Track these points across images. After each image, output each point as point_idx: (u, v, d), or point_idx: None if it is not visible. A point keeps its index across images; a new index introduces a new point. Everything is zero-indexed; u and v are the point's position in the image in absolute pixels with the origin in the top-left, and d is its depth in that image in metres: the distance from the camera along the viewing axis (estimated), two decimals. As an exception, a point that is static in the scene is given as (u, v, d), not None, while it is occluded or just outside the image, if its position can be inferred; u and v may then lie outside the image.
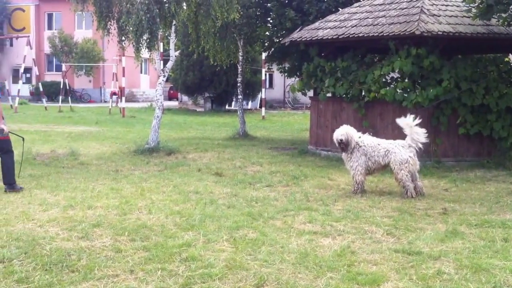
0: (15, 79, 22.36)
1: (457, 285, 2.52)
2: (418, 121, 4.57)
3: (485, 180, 5.39)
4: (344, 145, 4.59)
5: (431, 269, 2.72)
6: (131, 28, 6.86)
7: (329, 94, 7.07)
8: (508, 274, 2.65)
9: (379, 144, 4.60)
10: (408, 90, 6.28)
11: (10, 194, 4.35)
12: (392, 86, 6.59)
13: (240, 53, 9.55)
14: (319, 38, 6.82)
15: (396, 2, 6.83)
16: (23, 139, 5.29)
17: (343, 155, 4.72)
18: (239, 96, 10.03)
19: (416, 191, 4.53)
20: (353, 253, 2.97)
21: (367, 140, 4.65)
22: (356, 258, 2.88)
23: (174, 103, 24.06)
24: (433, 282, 2.55)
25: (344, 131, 4.60)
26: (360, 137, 4.63)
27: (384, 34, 6.17)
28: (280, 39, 8.54)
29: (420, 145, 4.59)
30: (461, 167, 6.12)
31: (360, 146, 4.59)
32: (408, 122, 4.58)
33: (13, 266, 2.67)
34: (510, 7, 5.58)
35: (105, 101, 23.31)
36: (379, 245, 3.12)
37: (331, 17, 7.26)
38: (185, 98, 22.55)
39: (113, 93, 18.51)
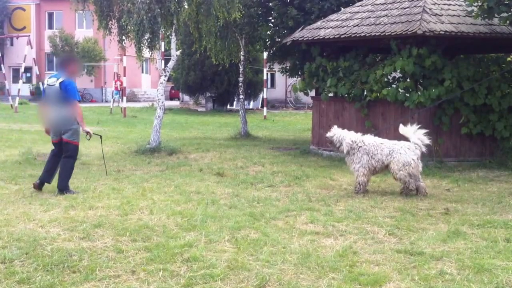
0: (16, 79, 22.42)
1: (459, 286, 2.51)
2: (417, 127, 4.58)
3: (487, 180, 5.38)
4: (332, 144, 4.68)
5: (433, 269, 2.72)
6: (132, 28, 6.85)
7: (331, 94, 7.05)
8: (511, 274, 2.65)
9: (382, 143, 4.60)
10: (410, 90, 6.26)
11: (11, 194, 4.35)
12: (394, 86, 6.58)
13: (241, 53, 9.53)
14: (320, 37, 6.80)
15: (398, 2, 6.81)
16: (100, 137, 5.33)
17: (346, 159, 4.71)
18: (241, 96, 10.01)
19: (419, 192, 4.53)
20: (355, 254, 2.96)
21: (368, 139, 4.63)
22: (358, 259, 2.87)
23: (175, 103, 24.05)
24: (435, 283, 2.55)
25: (332, 131, 4.69)
26: (358, 138, 4.61)
27: (386, 34, 6.15)
28: (282, 38, 8.53)
29: (424, 148, 4.59)
30: (463, 167, 6.10)
31: (361, 146, 4.57)
32: (408, 130, 4.57)
33: (14, 267, 2.67)
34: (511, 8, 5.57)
35: (106, 101, 23.32)
36: (381, 246, 3.11)
37: (333, 16, 7.24)
38: (186, 98, 22.53)
39: (116, 89, 18.43)
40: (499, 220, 3.68)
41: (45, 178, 4.46)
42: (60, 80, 4.32)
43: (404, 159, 4.47)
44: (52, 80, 4.39)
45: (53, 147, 4.52)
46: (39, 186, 4.44)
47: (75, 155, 4.48)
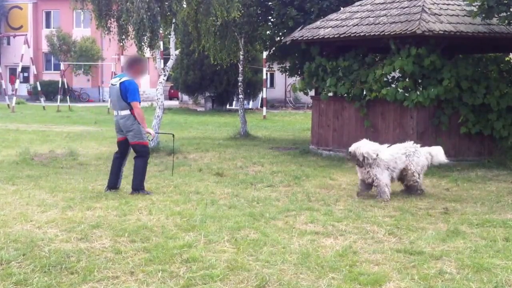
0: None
1: (458, 285, 2.51)
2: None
3: (486, 179, 5.39)
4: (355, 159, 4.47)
5: (432, 269, 2.72)
6: (131, 27, 6.82)
7: (330, 94, 7.05)
8: (510, 273, 2.65)
9: (397, 153, 4.53)
10: (409, 89, 6.27)
11: (8, 195, 4.31)
12: (393, 85, 6.57)
13: (241, 52, 9.51)
14: (320, 37, 6.80)
15: (398, 1, 6.81)
16: (173, 135, 5.33)
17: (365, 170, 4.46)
18: (240, 96, 9.98)
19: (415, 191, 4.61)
20: (355, 253, 2.96)
21: (386, 154, 4.49)
22: (358, 258, 2.87)
23: (174, 103, 23.99)
24: (435, 282, 2.54)
25: (354, 145, 4.49)
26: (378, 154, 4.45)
27: (386, 33, 6.15)
28: (281, 38, 8.50)
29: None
30: (462, 166, 6.11)
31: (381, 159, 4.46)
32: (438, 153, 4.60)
33: (11, 268, 2.64)
34: (511, 8, 5.56)
35: (103, 101, 23.25)
36: (381, 245, 3.11)
37: (333, 16, 7.24)
38: (185, 97, 22.47)
39: None
40: (498, 219, 3.68)
41: (113, 183, 4.47)
42: (122, 80, 4.31)
43: (423, 162, 4.52)
44: (115, 80, 4.39)
45: (116, 149, 4.56)
46: (109, 191, 4.42)
47: (146, 155, 4.46)
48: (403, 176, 4.55)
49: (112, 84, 4.39)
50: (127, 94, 4.26)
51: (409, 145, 4.63)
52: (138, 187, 4.36)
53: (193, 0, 7.34)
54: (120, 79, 4.32)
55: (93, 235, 3.21)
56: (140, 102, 4.37)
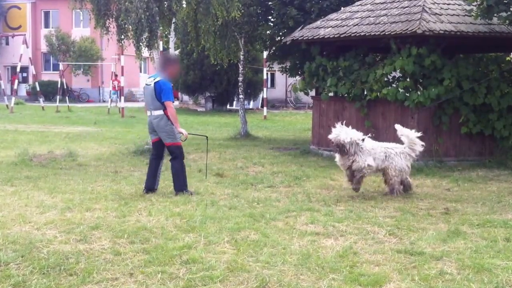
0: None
1: (459, 286, 2.51)
2: (418, 134, 4.55)
3: (487, 179, 5.38)
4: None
5: (433, 269, 2.71)
6: (130, 27, 6.81)
7: (331, 94, 7.04)
8: (510, 274, 2.64)
9: (373, 149, 4.53)
10: (410, 89, 6.26)
11: (6, 196, 4.30)
12: (394, 85, 6.57)
13: (241, 52, 9.50)
14: (320, 37, 6.79)
15: (398, 1, 6.80)
16: (206, 138, 5.30)
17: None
18: (241, 96, 9.97)
19: (409, 188, 4.60)
20: (356, 254, 2.95)
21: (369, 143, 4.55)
22: (358, 259, 2.86)
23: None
24: (435, 283, 2.54)
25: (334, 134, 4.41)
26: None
27: (386, 33, 6.14)
28: (282, 37, 8.50)
29: (416, 156, 4.60)
30: (463, 166, 6.10)
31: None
32: (408, 134, 4.54)
33: (10, 270, 2.63)
34: (511, 7, 5.56)
35: (103, 101, 23.24)
36: (382, 246, 3.10)
37: (333, 15, 7.23)
38: (185, 97, 22.48)
39: (113, 89, 18.40)
40: (498, 220, 3.68)
41: (150, 184, 4.45)
42: (157, 80, 4.30)
43: (401, 165, 4.47)
44: (149, 80, 4.39)
45: (151, 151, 4.56)
46: (147, 193, 4.41)
47: (180, 155, 4.44)
48: (384, 176, 4.54)
49: (146, 84, 4.40)
50: (161, 93, 4.27)
51: (392, 146, 4.58)
52: (181, 188, 4.37)
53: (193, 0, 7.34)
54: (154, 79, 4.33)
55: (92, 236, 3.19)
56: (173, 102, 4.38)
